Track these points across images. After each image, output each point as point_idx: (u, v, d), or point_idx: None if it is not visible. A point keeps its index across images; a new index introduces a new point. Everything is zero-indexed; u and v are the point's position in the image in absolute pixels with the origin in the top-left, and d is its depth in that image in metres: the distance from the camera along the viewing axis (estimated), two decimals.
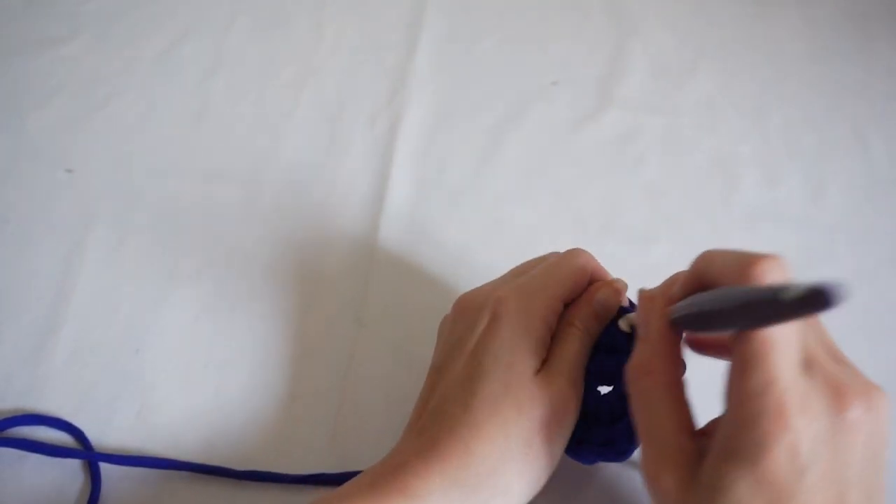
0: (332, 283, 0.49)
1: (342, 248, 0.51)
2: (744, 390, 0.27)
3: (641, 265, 0.50)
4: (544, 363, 0.35)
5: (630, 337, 0.36)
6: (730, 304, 0.27)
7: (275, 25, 0.64)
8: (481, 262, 0.50)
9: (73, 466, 0.42)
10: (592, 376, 0.36)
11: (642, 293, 0.35)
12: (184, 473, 0.42)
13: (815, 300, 0.22)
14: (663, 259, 0.50)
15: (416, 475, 0.32)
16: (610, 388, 0.37)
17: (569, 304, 0.38)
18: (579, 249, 0.39)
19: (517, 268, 0.41)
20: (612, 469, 0.41)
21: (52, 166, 0.55)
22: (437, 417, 0.34)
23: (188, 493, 0.41)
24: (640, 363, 0.32)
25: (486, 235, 0.52)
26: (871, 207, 0.53)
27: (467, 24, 0.64)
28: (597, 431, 0.36)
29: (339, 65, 0.62)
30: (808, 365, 0.28)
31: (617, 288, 0.37)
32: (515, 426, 0.32)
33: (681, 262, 0.49)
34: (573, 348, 0.35)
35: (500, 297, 0.36)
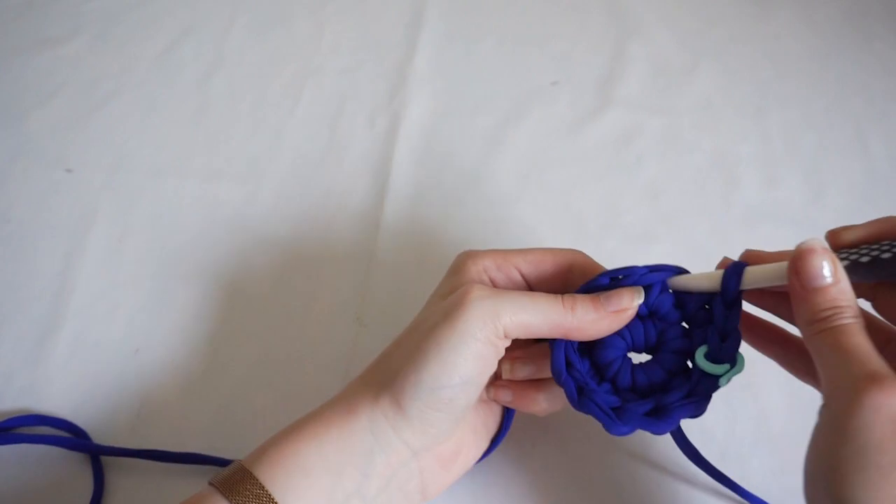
0: (332, 283, 0.49)
1: (342, 248, 0.51)
2: None
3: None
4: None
5: (675, 299, 0.35)
6: None
7: (275, 25, 0.64)
8: None
9: (76, 465, 0.42)
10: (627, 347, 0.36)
11: (807, 245, 0.32)
12: (185, 468, 0.42)
13: None
14: (663, 259, 0.50)
15: (352, 383, 0.36)
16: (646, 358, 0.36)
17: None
18: (572, 249, 0.39)
19: None
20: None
21: (52, 166, 0.55)
22: (384, 354, 0.37)
23: (189, 488, 0.41)
24: (826, 308, 0.30)
25: (486, 235, 0.52)
26: (871, 207, 0.53)
27: (467, 24, 0.64)
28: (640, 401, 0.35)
29: (339, 65, 0.62)
30: None
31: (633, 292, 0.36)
32: (414, 327, 0.35)
33: (681, 262, 0.49)
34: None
35: (474, 286, 0.36)
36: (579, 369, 0.35)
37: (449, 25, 0.64)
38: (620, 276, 0.36)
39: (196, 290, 0.49)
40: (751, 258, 0.35)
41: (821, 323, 0.30)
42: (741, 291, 0.34)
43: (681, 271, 0.36)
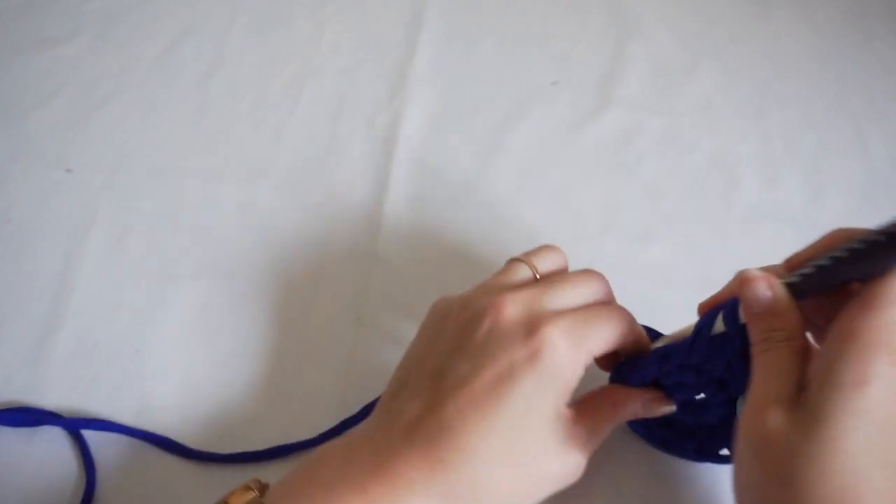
0: (332, 283, 0.49)
1: (342, 248, 0.51)
2: (857, 327, 0.29)
3: (641, 265, 0.50)
4: (571, 411, 0.35)
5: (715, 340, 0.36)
6: (865, 245, 0.29)
7: (275, 25, 0.64)
8: (482, 262, 0.50)
9: (68, 456, 0.42)
10: (677, 391, 0.38)
11: (744, 275, 0.33)
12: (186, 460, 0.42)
13: None
14: (663, 259, 0.50)
15: (415, 493, 0.31)
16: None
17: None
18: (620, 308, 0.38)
19: (490, 282, 0.39)
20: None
21: (52, 166, 0.55)
22: (447, 432, 0.32)
23: (186, 479, 0.41)
24: (771, 323, 0.32)
25: (486, 235, 0.52)
26: (871, 207, 0.53)
27: (467, 24, 0.64)
28: (687, 439, 0.40)
29: (339, 65, 0.62)
30: None
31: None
32: (526, 475, 0.33)
33: (681, 262, 0.49)
34: (606, 419, 0.37)
35: (548, 331, 0.33)
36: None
37: (449, 25, 0.64)
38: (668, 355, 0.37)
39: (196, 290, 0.49)
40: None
41: (757, 345, 0.32)
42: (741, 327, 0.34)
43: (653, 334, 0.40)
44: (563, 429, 0.33)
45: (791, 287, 0.32)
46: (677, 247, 0.51)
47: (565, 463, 0.33)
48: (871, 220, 0.52)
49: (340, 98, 0.59)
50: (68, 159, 0.55)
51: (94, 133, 0.57)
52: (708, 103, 0.59)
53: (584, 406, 0.36)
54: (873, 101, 0.59)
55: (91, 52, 0.62)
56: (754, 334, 0.32)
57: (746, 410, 0.31)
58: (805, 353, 0.31)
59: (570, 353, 0.33)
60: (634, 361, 0.38)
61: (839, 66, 0.61)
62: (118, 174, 0.55)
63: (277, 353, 0.46)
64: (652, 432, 0.40)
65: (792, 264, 0.34)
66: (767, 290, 0.32)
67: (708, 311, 0.35)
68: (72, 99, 0.59)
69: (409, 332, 0.47)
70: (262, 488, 0.34)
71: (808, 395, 0.29)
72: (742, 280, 0.33)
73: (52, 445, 0.43)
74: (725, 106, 0.59)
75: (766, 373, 0.31)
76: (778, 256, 0.50)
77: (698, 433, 0.39)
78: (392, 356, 0.46)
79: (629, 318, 0.36)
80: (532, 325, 0.34)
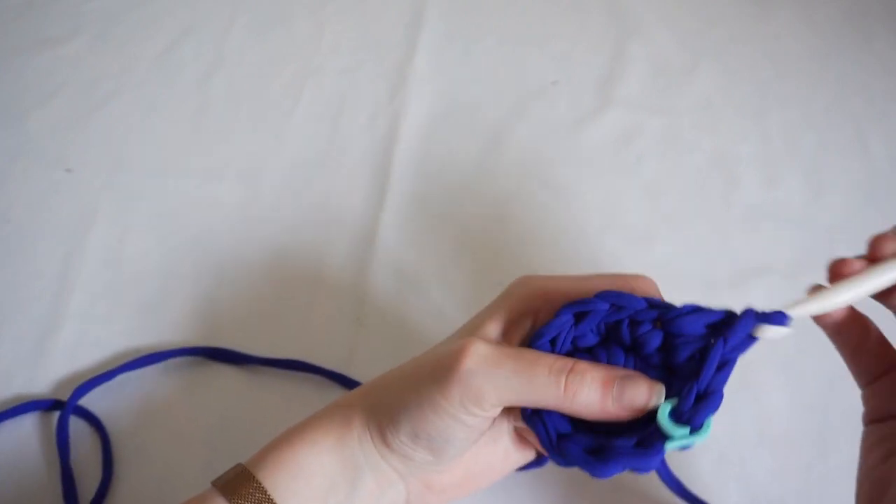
0: (333, 283, 0.49)
1: (342, 248, 0.51)
2: None
3: (641, 265, 0.50)
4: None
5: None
6: None
7: (275, 25, 0.64)
8: (481, 263, 0.50)
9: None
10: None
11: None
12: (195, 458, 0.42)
13: None
14: (663, 259, 0.50)
15: (336, 406, 0.35)
16: None
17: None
18: (520, 279, 0.35)
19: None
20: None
21: (51, 166, 0.55)
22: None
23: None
24: None
25: (486, 235, 0.52)
26: (871, 207, 0.53)
27: (467, 24, 0.64)
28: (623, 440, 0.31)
29: (339, 65, 0.62)
30: None
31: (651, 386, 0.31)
32: (409, 366, 0.34)
33: (681, 262, 0.49)
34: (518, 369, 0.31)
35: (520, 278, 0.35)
36: None
37: (449, 25, 0.64)
38: (619, 305, 0.32)
39: (196, 291, 0.49)
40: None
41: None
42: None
43: (730, 316, 0.31)
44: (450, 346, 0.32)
45: None
46: (677, 247, 0.51)
47: (441, 348, 0.33)
48: (871, 219, 0.53)
49: (340, 98, 0.59)
50: (68, 159, 0.55)
51: (94, 133, 0.57)
52: (708, 103, 0.59)
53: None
54: (873, 101, 0.59)
55: (91, 52, 0.62)
56: None
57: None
58: None
59: (475, 382, 0.30)
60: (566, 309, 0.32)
61: (839, 65, 0.61)
62: (118, 174, 0.55)
63: (278, 354, 0.46)
64: (570, 444, 0.31)
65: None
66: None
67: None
68: (72, 99, 0.59)
69: (409, 332, 0.47)
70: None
71: None
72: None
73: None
74: (725, 106, 0.59)
75: None
76: (778, 256, 0.50)
77: (600, 430, 0.32)
78: (392, 357, 0.46)
79: (557, 396, 0.30)
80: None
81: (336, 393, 0.45)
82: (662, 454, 0.30)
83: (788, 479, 0.41)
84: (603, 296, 0.32)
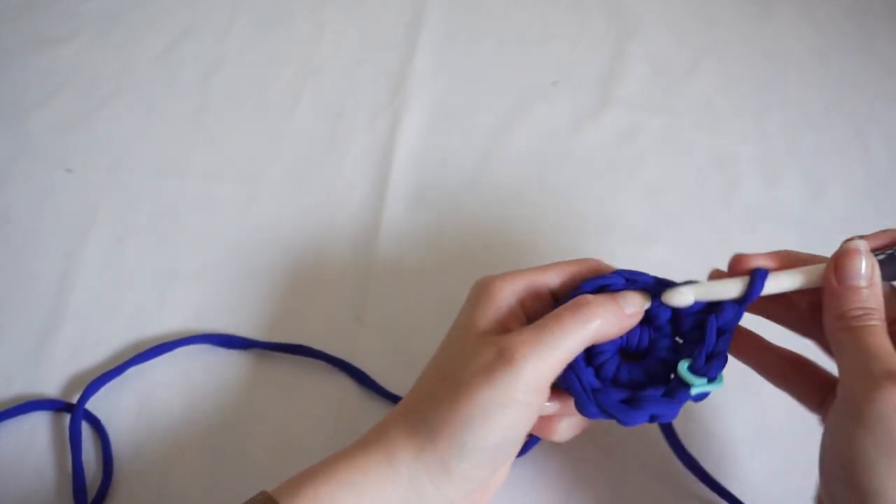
0: (332, 283, 0.49)
1: (342, 248, 0.51)
2: None
3: (641, 265, 0.50)
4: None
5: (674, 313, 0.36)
6: None
7: (275, 25, 0.64)
8: (481, 262, 0.50)
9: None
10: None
11: (848, 245, 0.34)
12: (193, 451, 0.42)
13: None
14: (663, 259, 0.50)
15: (377, 435, 0.34)
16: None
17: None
18: (591, 258, 0.38)
19: None
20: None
21: (52, 166, 0.55)
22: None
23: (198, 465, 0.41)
24: (866, 300, 0.32)
25: (486, 235, 0.52)
26: (871, 207, 0.53)
27: (467, 24, 0.64)
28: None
29: (339, 65, 0.62)
30: None
31: (643, 296, 0.36)
32: (451, 378, 0.33)
33: (681, 262, 0.49)
34: (564, 325, 0.33)
35: (484, 278, 0.37)
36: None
37: (449, 25, 0.64)
38: (635, 280, 0.36)
39: (196, 291, 0.49)
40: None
41: (850, 320, 0.32)
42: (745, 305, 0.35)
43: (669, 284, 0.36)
44: (492, 332, 0.34)
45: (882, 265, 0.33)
46: (677, 247, 0.51)
47: (483, 353, 0.33)
48: (871, 219, 0.53)
49: (340, 98, 0.59)
50: (68, 159, 0.55)
51: (94, 133, 0.57)
52: (708, 103, 0.59)
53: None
54: (873, 101, 0.59)
55: (91, 52, 0.62)
56: (843, 308, 0.32)
57: (855, 384, 0.30)
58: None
59: (499, 279, 0.35)
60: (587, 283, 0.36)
61: (840, 65, 0.61)
62: (118, 174, 0.55)
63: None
64: (604, 396, 0.34)
65: (875, 244, 0.34)
66: (870, 267, 0.32)
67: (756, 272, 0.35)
68: (72, 99, 0.59)
69: (409, 332, 0.47)
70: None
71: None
72: (846, 251, 0.33)
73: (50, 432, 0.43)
74: (725, 106, 0.59)
75: (870, 350, 0.30)
76: None
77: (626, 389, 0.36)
78: (392, 356, 0.46)
79: (572, 262, 0.37)
80: (475, 286, 0.37)
81: (339, 379, 0.45)
82: (684, 401, 0.34)
83: (788, 478, 0.41)
84: (619, 272, 0.36)
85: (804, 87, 0.60)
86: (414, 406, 0.34)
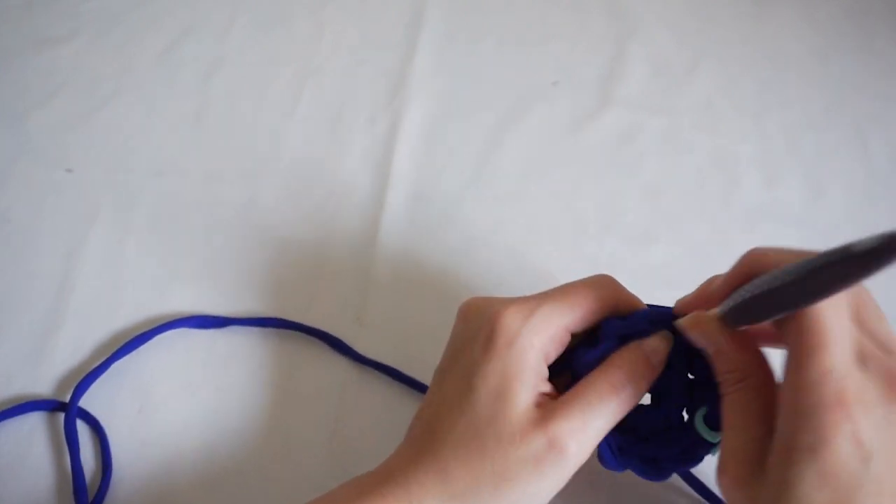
0: (332, 283, 0.49)
1: (342, 248, 0.51)
2: (801, 382, 0.27)
3: (641, 265, 0.50)
4: (552, 395, 0.34)
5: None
6: (794, 277, 0.27)
7: (275, 25, 0.64)
8: (482, 262, 0.50)
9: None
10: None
11: (683, 308, 0.34)
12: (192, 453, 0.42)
13: (888, 250, 0.23)
14: (663, 259, 0.50)
15: (398, 484, 0.33)
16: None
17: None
18: (604, 276, 0.37)
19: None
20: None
21: (52, 166, 0.55)
22: (427, 430, 0.34)
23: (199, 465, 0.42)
24: (722, 365, 0.32)
25: (486, 235, 0.52)
26: (871, 207, 0.53)
27: (467, 24, 0.64)
28: (638, 447, 0.35)
29: (339, 65, 0.62)
30: (861, 357, 0.28)
31: (666, 340, 0.35)
32: (492, 458, 0.32)
33: (681, 262, 0.49)
34: (596, 396, 0.33)
35: (498, 313, 0.34)
36: None
37: (449, 25, 0.64)
38: (656, 321, 0.35)
39: (196, 291, 0.49)
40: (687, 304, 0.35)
41: (722, 388, 0.32)
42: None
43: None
44: (531, 408, 0.32)
45: (725, 319, 0.31)
46: (677, 247, 0.51)
47: (531, 442, 0.32)
48: (871, 220, 0.53)
49: (340, 98, 0.59)
50: (68, 159, 0.55)
51: (94, 133, 0.57)
52: (708, 103, 0.59)
53: (573, 389, 0.34)
54: (873, 100, 0.59)
55: (91, 52, 0.62)
56: (717, 376, 0.32)
57: (720, 462, 0.30)
58: (766, 386, 0.31)
59: (525, 326, 0.33)
60: (591, 338, 0.36)
61: (840, 64, 0.61)
62: (118, 174, 0.55)
63: (277, 354, 0.46)
64: (628, 452, 0.35)
65: (710, 296, 0.33)
66: (701, 336, 0.32)
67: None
68: (72, 99, 0.59)
69: (409, 332, 0.47)
70: None
71: (772, 461, 0.28)
72: (682, 330, 0.33)
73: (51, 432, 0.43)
74: (725, 106, 0.59)
75: (730, 421, 0.31)
76: None
77: (644, 437, 0.36)
78: (392, 357, 0.46)
79: (593, 290, 0.35)
80: (490, 312, 0.34)
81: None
82: (702, 459, 0.34)
83: None
84: (641, 314, 0.35)
85: (804, 87, 0.60)
86: (445, 470, 0.33)
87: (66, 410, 0.43)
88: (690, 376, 0.35)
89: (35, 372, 0.45)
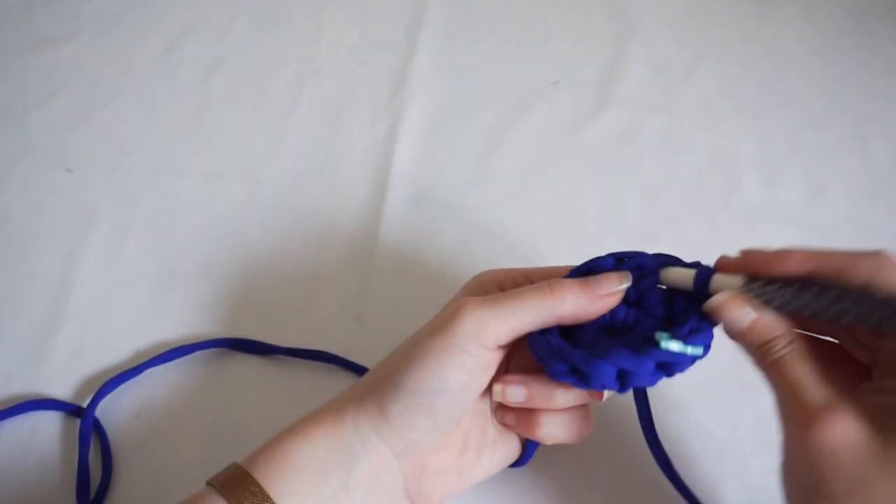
0: (332, 283, 0.49)
1: (342, 248, 0.51)
2: None
3: None
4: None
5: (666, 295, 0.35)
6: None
7: (275, 25, 0.64)
8: (482, 262, 0.50)
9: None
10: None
11: (714, 303, 0.33)
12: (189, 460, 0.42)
13: None
14: None
15: (343, 393, 0.36)
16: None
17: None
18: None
19: None
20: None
21: (52, 166, 0.55)
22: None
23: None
24: (763, 337, 0.32)
25: (486, 235, 0.52)
26: (871, 207, 0.53)
27: (467, 24, 0.64)
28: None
29: (339, 65, 0.62)
30: None
31: (621, 277, 0.36)
32: (409, 339, 0.35)
33: None
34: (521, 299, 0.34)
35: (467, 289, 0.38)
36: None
37: (449, 25, 0.64)
38: (625, 259, 0.36)
39: (196, 291, 0.49)
40: (740, 261, 0.34)
41: (761, 361, 0.32)
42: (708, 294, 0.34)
43: (678, 264, 0.36)
44: (458, 302, 0.34)
45: (761, 299, 0.32)
46: (677, 247, 0.50)
47: (443, 313, 0.34)
48: (871, 220, 0.53)
49: (340, 98, 0.59)
50: (68, 159, 0.55)
51: (94, 133, 0.57)
52: (708, 103, 0.59)
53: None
54: (873, 100, 0.59)
55: (91, 52, 0.62)
56: (751, 352, 0.32)
57: (796, 419, 0.30)
58: (806, 347, 0.31)
59: (487, 271, 0.38)
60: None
61: (840, 64, 0.61)
62: (118, 174, 0.55)
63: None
64: (571, 350, 0.33)
65: (749, 261, 0.34)
66: (745, 315, 0.32)
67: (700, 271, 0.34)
68: (72, 99, 0.59)
69: (409, 332, 0.47)
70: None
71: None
72: (716, 308, 0.33)
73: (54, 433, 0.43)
74: (725, 106, 0.59)
75: (796, 382, 0.30)
76: None
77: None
78: None
79: (550, 303, 0.34)
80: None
81: (344, 380, 0.45)
82: (653, 361, 0.32)
83: None
84: (611, 254, 0.36)
85: (804, 87, 0.60)
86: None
87: (82, 413, 0.43)
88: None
89: (35, 372, 0.45)
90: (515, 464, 0.38)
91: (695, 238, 0.51)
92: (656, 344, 0.32)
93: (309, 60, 0.62)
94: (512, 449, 0.37)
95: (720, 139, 0.57)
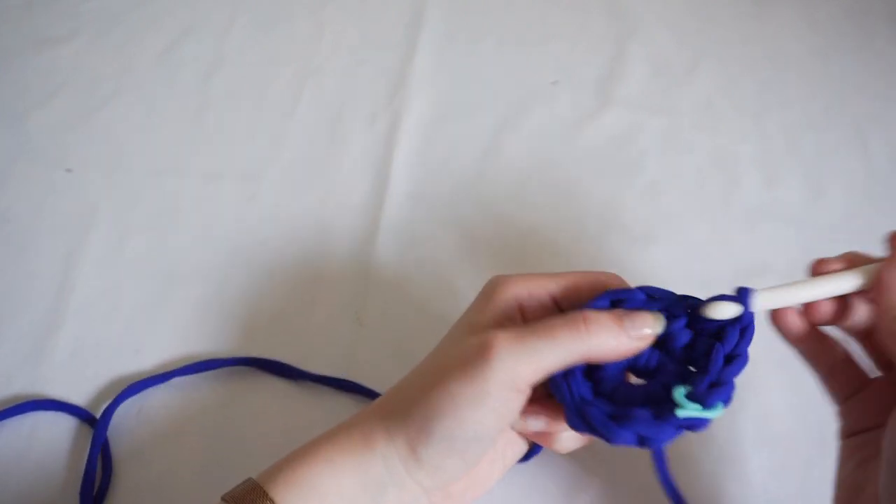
0: (332, 283, 0.49)
1: (342, 248, 0.51)
2: None
3: (641, 265, 0.50)
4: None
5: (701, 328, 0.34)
6: None
7: (275, 25, 0.64)
8: (482, 262, 0.50)
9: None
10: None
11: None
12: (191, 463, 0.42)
13: None
14: (663, 259, 0.50)
15: (367, 409, 0.35)
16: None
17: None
18: (610, 273, 0.36)
19: None
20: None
21: (52, 166, 0.55)
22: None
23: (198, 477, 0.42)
24: None
25: (486, 235, 0.52)
26: (871, 207, 0.53)
27: (467, 24, 0.64)
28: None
29: (339, 65, 0.62)
30: None
31: (655, 318, 0.34)
32: (430, 363, 0.34)
33: (680, 262, 0.49)
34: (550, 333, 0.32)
35: (494, 276, 0.37)
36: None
37: (449, 25, 0.64)
38: (655, 297, 0.35)
39: (196, 291, 0.49)
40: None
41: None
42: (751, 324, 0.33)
43: (701, 305, 0.34)
44: (484, 328, 0.34)
45: None
46: (677, 247, 0.51)
47: (467, 342, 0.33)
48: (871, 220, 0.53)
49: (340, 98, 0.59)
50: (68, 159, 0.55)
51: (94, 133, 0.57)
52: (708, 103, 0.59)
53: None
54: (873, 100, 0.59)
55: (91, 52, 0.62)
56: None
57: None
58: None
59: (505, 278, 0.36)
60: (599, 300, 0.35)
61: (840, 64, 0.61)
62: (118, 174, 0.55)
63: (277, 354, 0.46)
64: (592, 408, 0.33)
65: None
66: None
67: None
68: (72, 99, 0.59)
69: (409, 332, 0.47)
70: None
71: None
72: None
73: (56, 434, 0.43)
74: (725, 106, 0.59)
75: None
76: (778, 256, 0.50)
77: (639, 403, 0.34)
78: (392, 357, 0.46)
79: (581, 340, 0.33)
80: (490, 282, 0.37)
81: (339, 394, 0.45)
82: (674, 427, 0.31)
83: (788, 479, 0.41)
84: (641, 288, 0.34)
85: (804, 87, 0.60)
86: (394, 393, 0.35)
87: (99, 418, 0.43)
88: (691, 368, 0.34)
89: (35, 371, 0.45)
90: (524, 458, 0.38)
91: (695, 238, 0.51)
92: (676, 404, 0.31)
93: (309, 60, 0.62)
94: (520, 449, 0.37)
95: (720, 139, 0.57)
